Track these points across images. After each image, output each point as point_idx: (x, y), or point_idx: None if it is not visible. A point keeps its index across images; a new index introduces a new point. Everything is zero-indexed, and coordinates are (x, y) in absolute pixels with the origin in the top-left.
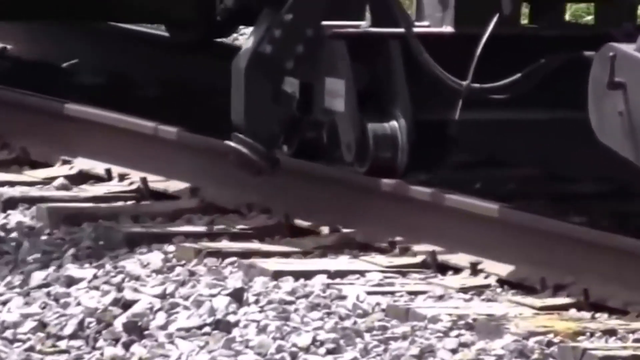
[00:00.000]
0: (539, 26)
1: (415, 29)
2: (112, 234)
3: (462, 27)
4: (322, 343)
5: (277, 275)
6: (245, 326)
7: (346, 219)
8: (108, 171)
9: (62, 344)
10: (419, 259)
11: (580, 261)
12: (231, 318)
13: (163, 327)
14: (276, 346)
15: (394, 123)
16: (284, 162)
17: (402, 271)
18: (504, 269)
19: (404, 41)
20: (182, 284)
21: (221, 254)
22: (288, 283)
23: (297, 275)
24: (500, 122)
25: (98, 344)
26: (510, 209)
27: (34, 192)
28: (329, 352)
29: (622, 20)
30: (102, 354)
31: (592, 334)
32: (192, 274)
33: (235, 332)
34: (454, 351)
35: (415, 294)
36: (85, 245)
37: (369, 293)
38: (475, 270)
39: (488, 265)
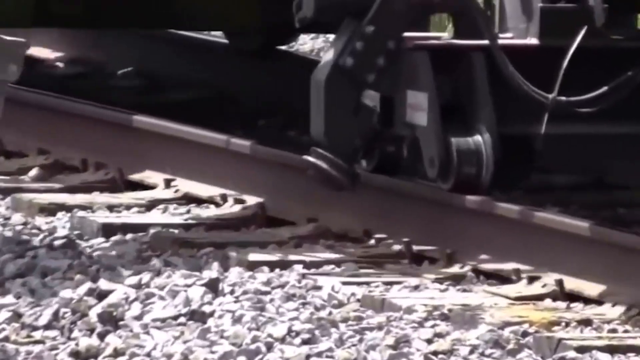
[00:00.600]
0: (625, 38)
1: (500, 41)
2: (87, 224)
3: (547, 39)
4: (297, 333)
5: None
6: (221, 316)
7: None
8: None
9: (37, 335)
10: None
11: None
12: (206, 308)
13: (138, 318)
14: (251, 336)
15: (478, 138)
16: (364, 178)
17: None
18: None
19: (488, 53)
20: (157, 272)
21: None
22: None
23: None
24: (588, 136)
25: (73, 335)
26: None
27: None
28: (305, 342)
29: None
30: (77, 344)
31: (567, 324)
32: (167, 264)
33: (211, 322)
34: (429, 341)
35: (390, 284)
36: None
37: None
38: (450, 260)
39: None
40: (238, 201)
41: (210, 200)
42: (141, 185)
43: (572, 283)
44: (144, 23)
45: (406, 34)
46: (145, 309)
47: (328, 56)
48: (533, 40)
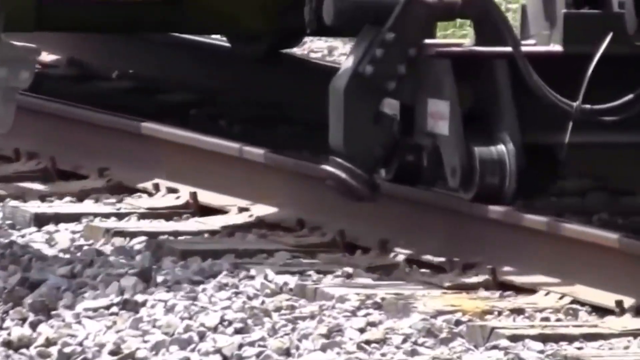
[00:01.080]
0: None
1: (523, 48)
2: (19, 214)
3: (571, 46)
4: (230, 323)
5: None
6: (153, 306)
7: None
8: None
9: None
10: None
11: None
12: (139, 298)
13: (70, 307)
14: (184, 326)
15: (501, 147)
16: (384, 187)
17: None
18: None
19: (511, 61)
20: (89, 264)
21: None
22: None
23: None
24: (612, 145)
25: (5, 324)
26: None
27: None
28: (237, 331)
29: None
30: (9, 334)
31: (500, 313)
32: (99, 253)
33: (143, 311)
34: (361, 330)
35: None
36: None
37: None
38: (383, 249)
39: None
40: (171, 190)
41: (143, 190)
42: (74, 175)
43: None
44: (148, 27)
45: (427, 40)
46: (77, 298)
47: (347, 63)
48: (556, 47)
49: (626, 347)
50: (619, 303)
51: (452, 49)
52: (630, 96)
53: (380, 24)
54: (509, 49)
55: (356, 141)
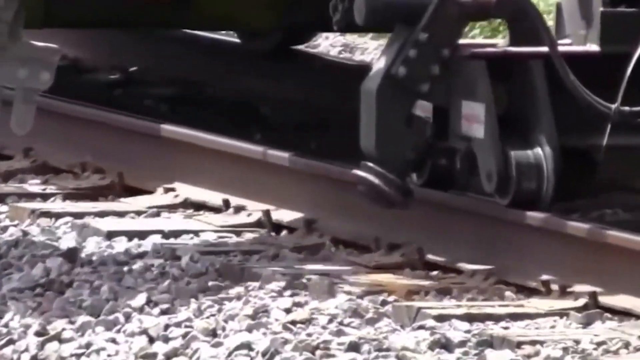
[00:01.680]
0: None
1: (560, 48)
2: None
3: (609, 46)
4: (156, 303)
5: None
6: (79, 287)
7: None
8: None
9: None
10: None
11: None
12: (64, 279)
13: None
14: (109, 307)
15: (538, 150)
16: (417, 192)
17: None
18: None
19: (547, 61)
20: (15, 244)
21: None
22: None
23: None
24: None
25: None
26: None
27: None
28: (163, 312)
29: None
30: None
31: (426, 293)
32: (25, 234)
33: (69, 292)
34: (287, 311)
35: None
36: None
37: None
38: (309, 229)
39: None
40: (97, 170)
41: (68, 170)
42: None
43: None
44: (158, 23)
45: (461, 41)
46: (2, 279)
47: (379, 65)
48: (593, 47)
49: (552, 327)
50: (545, 283)
51: (487, 50)
52: None
53: (413, 24)
54: (545, 49)
55: (388, 145)
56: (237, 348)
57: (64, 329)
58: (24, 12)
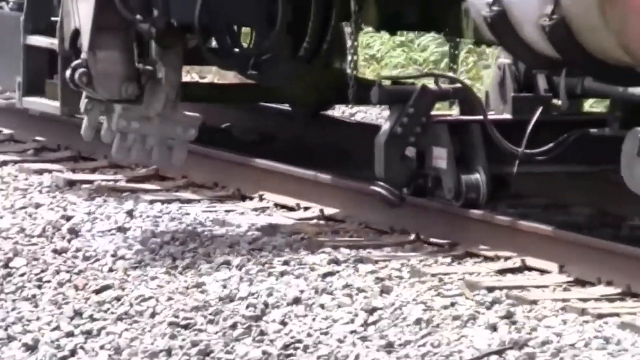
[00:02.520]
0: (561, 113)
1: (489, 117)
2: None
3: (516, 115)
4: (177, 239)
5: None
6: (135, 230)
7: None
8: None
9: (34, 240)
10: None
11: None
12: (126, 225)
13: (89, 230)
14: (151, 240)
15: (477, 175)
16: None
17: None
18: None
19: (482, 124)
20: (100, 206)
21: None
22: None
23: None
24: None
25: (54, 240)
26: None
27: None
28: (182, 243)
29: None
30: (55, 245)
31: (325, 233)
32: (105, 201)
33: (129, 233)
34: (250, 242)
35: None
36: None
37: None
38: (261, 199)
39: None
40: (223, 186)
41: (207, 186)
42: None
43: None
44: (247, 99)
45: (432, 112)
46: (93, 225)
47: (386, 126)
48: (507, 116)
49: (395, 252)
50: (391, 228)
51: (447, 118)
52: (550, 145)
53: (405, 102)
54: (481, 117)
55: (391, 172)
56: (222, 264)
57: (125, 254)
58: (180, 91)
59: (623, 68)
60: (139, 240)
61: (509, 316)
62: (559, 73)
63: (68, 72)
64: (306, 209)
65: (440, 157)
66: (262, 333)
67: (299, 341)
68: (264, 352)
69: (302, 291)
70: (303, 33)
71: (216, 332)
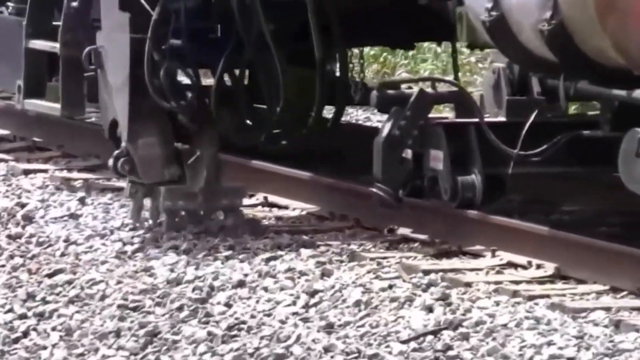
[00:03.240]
0: (554, 115)
1: (485, 119)
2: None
3: (511, 117)
4: (127, 225)
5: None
6: (86, 217)
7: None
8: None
9: None
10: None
11: None
12: (78, 212)
13: (43, 217)
14: (102, 226)
15: (473, 176)
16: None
17: None
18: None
19: (478, 126)
20: (53, 194)
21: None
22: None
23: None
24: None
25: (8, 226)
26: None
27: None
28: (131, 229)
29: None
30: (10, 231)
31: (270, 219)
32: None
33: (81, 220)
34: (196, 228)
35: None
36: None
37: None
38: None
39: None
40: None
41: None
42: None
43: None
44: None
45: (429, 115)
46: (46, 212)
47: (385, 128)
48: (502, 118)
49: (336, 237)
50: (331, 213)
51: (443, 121)
52: (544, 147)
53: (404, 106)
54: (476, 119)
55: (389, 174)
56: (170, 248)
57: (77, 239)
58: (221, 165)
59: (621, 72)
60: (90, 227)
61: (444, 298)
62: (557, 77)
63: (111, 161)
64: (251, 195)
65: (437, 159)
66: (207, 315)
67: (243, 322)
68: (209, 333)
69: (246, 275)
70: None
71: (163, 314)
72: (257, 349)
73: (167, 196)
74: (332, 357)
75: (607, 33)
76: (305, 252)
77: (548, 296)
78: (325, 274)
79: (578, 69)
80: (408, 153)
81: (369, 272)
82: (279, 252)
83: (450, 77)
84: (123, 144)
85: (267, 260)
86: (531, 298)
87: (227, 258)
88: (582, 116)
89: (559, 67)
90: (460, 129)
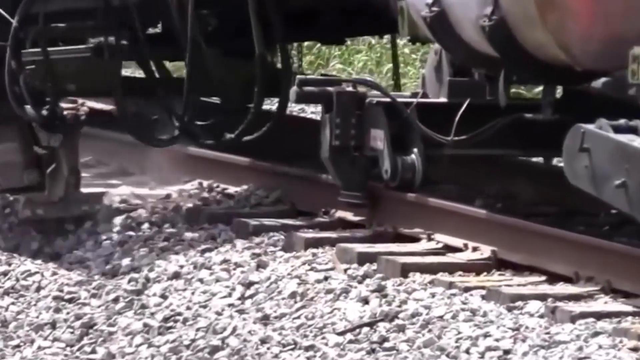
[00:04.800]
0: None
1: (420, 100)
2: None
3: (452, 99)
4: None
5: None
6: None
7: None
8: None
9: None
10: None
11: None
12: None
13: None
14: None
15: (413, 156)
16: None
17: None
18: None
19: (418, 107)
20: None
21: None
22: None
23: None
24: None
25: None
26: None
27: None
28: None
29: None
30: None
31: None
32: None
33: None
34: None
35: None
36: None
37: None
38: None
39: None
40: None
41: None
42: None
43: None
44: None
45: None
46: None
47: (324, 142)
48: (443, 99)
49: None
50: (266, 197)
51: (382, 100)
52: (478, 130)
53: (323, 103)
54: (415, 99)
55: (346, 180)
56: (105, 240)
57: None
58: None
59: (562, 68)
60: None
61: (380, 289)
62: (499, 72)
63: None
64: (186, 181)
65: (378, 139)
66: (143, 306)
67: (179, 314)
68: (145, 325)
69: (181, 266)
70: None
71: (99, 306)
72: (193, 340)
73: (25, 204)
74: (268, 348)
75: (548, 29)
76: (240, 243)
77: (483, 287)
78: (260, 266)
79: (519, 64)
80: (354, 151)
81: (304, 263)
82: (214, 244)
83: (385, 68)
84: None
85: (203, 251)
86: (467, 289)
87: (162, 250)
88: (526, 99)
89: (500, 63)
90: (399, 109)
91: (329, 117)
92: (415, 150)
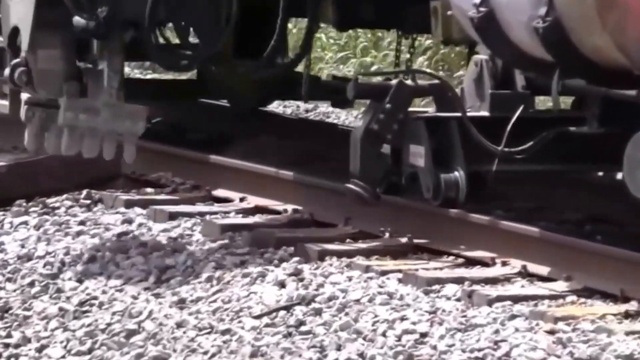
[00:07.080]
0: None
1: (467, 113)
2: None
3: (494, 113)
4: None
5: None
6: None
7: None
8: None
9: None
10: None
11: None
12: None
13: None
14: None
15: (456, 173)
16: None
17: None
18: None
19: (460, 121)
20: None
21: None
22: None
23: None
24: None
25: None
26: None
27: None
28: None
29: None
30: None
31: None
32: None
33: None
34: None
35: None
36: None
37: None
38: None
39: None
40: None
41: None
42: None
43: None
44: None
45: (410, 109)
46: None
47: (362, 122)
48: (485, 113)
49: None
50: (182, 184)
51: (424, 115)
52: (530, 143)
53: (382, 98)
54: (458, 114)
55: (367, 169)
56: (20, 224)
57: None
58: (123, 81)
59: (620, 71)
60: None
61: (296, 273)
62: (551, 76)
63: (7, 71)
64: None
65: (418, 155)
66: (59, 290)
67: (95, 298)
68: (60, 309)
69: (97, 250)
70: (248, 30)
71: (15, 290)
72: (109, 324)
73: (68, 108)
74: (184, 332)
75: (607, 31)
76: (157, 226)
77: (400, 271)
78: (176, 250)
79: (575, 68)
80: (386, 148)
81: (221, 247)
82: (130, 228)
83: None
84: (22, 53)
85: (119, 235)
86: (384, 273)
87: (78, 233)
88: (568, 112)
89: (552, 66)
90: (442, 123)
91: (378, 104)
92: (458, 167)
